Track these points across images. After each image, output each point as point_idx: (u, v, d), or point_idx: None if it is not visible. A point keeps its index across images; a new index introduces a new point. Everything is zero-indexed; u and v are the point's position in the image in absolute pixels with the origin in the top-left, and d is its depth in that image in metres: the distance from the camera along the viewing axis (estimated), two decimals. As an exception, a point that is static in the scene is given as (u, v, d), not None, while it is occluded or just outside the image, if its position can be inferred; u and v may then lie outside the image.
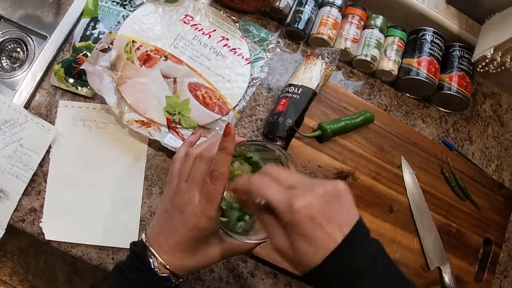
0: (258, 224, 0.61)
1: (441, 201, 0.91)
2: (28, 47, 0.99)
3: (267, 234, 0.49)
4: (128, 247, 0.60)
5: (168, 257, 0.56)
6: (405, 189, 0.88)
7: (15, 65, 0.99)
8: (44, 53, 0.83)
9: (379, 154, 0.88)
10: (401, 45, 0.95)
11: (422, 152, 0.91)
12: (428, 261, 0.87)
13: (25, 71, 0.88)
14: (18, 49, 1.00)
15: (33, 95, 0.81)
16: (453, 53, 0.97)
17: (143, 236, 0.59)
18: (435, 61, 0.93)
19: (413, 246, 0.87)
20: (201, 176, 0.56)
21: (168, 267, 0.56)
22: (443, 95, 0.95)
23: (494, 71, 0.91)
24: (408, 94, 0.98)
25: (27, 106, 0.80)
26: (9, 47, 0.99)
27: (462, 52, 0.97)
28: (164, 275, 0.56)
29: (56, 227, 0.76)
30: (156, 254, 0.56)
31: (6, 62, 0.99)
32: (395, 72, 0.93)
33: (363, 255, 0.45)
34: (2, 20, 0.97)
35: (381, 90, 0.97)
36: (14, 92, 0.80)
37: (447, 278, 0.87)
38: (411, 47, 0.95)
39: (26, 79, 0.81)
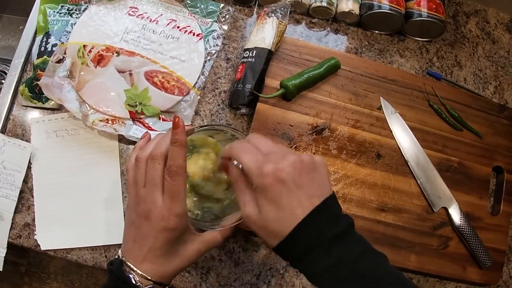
0: (229, 208, 0.59)
1: (434, 136, 0.79)
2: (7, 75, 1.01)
3: (240, 203, 0.47)
4: (117, 242, 0.57)
5: (146, 267, 0.52)
6: (391, 131, 0.78)
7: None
8: (9, 77, 0.82)
9: (354, 100, 0.79)
10: (357, -18, 0.84)
11: (403, 88, 0.80)
12: (431, 203, 0.76)
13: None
14: (2, 81, 1.01)
15: (7, 119, 0.80)
16: (416, -24, 0.84)
17: (119, 252, 0.55)
18: (395, -11, 0.82)
19: (410, 189, 0.77)
20: (158, 176, 0.52)
21: (149, 277, 0.52)
22: (415, 23, 0.83)
23: (462, -16, 0.79)
24: (377, 31, 0.87)
25: (3, 130, 0.80)
26: (-6, 80, 1.01)
27: (426, -27, 0.84)
28: (148, 287, 0.52)
29: (49, 236, 0.75)
30: (133, 267, 0.52)
31: (-5, 95, 1.01)
32: (357, 11, 0.82)
33: (333, 228, 0.44)
34: (-19, 57, 1.00)
35: (347, 34, 0.86)
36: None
37: (456, 217, 0.76)
38: (368, -19, 0.84)
39: (-2, 105, 0.81)
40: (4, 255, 0.77)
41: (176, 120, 0.51)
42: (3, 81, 1.01)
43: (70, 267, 1.42)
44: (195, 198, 0.60)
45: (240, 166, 0.47)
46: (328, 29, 0.86)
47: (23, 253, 0.76)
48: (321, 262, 0.43)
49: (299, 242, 0.44)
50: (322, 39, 0.85)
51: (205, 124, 0.69)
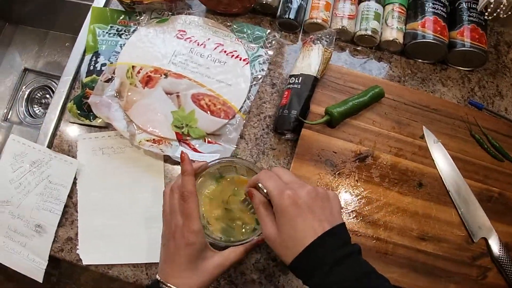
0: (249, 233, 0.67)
1: (475, 166, 0.79)
2: (55, 91, 1.02)
3: (261, 224, 0.53)
4: (158, 261, 0.63)
5: (176, 281, 0.58)
6: (433, 160, 0.78)
7: (47, 110, 1.02)
8: (57, 94, 0.83)
9: (397, 128, 0.79)
10: (402, 11, 0.84)
11: (446, 117, 0.80)
12: (471, 233, 0.75)
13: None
14: (47, 95, 1.03)
15: (54, 134, 0.82)
16: (459, 7, 0.84)
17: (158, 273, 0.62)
18: (439, 19, 0.81)
19: (451, 219, 0.76)
20: (177, 204, 0.61)
21: None
22: (457, 53, 0.83)
23: (505, 15, 0.78)
24: (420, 60, 0.87)
25: (50, 145, 0.81)
26: (38, 95, 1.02)
27: (470, 4, 0.84)
28: None
29: (91, 251, 0.76)
30: (166, 282, 0.58)
31: (39, 109, 1.02)
32: (401, 40, 0.82)
33: (340, 251, 0.48)
34: (27, 72, 1.01)
35: (391, 62, 0.86)
36: (38, 134, 0.81)
37: (495, 248, 0.75)
38: (413, 11, 0.84)
39: (46, 121, 0.82)
40: (45, 267, 0.78)
41: (183, 155, 0.63)
42: (47, 95, 1.02)
43: (101, 280, 1.42)
44: (222, 225, 0.68)
45: (265, 191, 0.54)
46: (372, 56, 0.86)
47: (55, 263, 0.77)
48: (326, 280, 0.47)
49: (309, 260, 0.48)
50: (365, 66, 0.85)
51: (220, 158, 0.72)
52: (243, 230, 0.67)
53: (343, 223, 0.52)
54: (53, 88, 1.00)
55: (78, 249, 0.76)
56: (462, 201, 0.77)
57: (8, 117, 1.00)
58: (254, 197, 0.56)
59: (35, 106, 1.00)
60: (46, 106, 1.01)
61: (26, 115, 0.99)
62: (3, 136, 0.98)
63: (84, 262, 0.76)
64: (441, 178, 0.77)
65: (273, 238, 0.51)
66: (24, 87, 0.99)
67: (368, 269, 0.49)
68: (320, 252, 0.48)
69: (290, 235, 0.49)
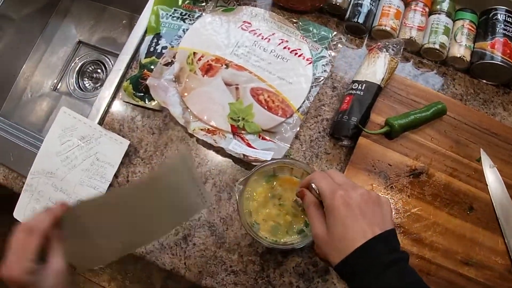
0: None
1: (529, 196, 0.77)
2: (107, 67, 1.01)
3: (311, 223, 0.53)
4: None
5: None
6: (487, 185, 0.75)
7: (97, 85, 1.01)
8: (113, 72, 0.81)
9: (455, 148, 0.76)
10: (472, 28, 0.81)
11: (504, 143, 0.77)
12: (515, 263, 0.74)
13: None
14: (98, 70, 1.01)
15: (106, 112, 0.80)
16: (531, 32, 0.81)
17: None
18: (509, 42, 0.78)
19: (497, 247, 0.73)
20: None
21: None
22: (524, 79, 0.80)
23: None
24: (485, 81, 0.83)
25: (101, 122, 0.80)
26: (90, 69, 1.00)
27: (542, 30, 0.80)
28: None
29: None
30: None
31: (89, 83, 1.01)
32: (468, 58, 0.79)
33: (389, 257, 0.47)
34: (81, 44, 0.99)
35: (454, 79, 0.83)
36: (90, 110, 0.80)
37: (539, 281, 0.73)
38: (483, 30, 0.81)
39: (100, 97, 0.80)
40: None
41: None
42: (99, 70, 1.01)
43: (126, 256, 1.42)
44: (271, 223, 0.66)
45: (317, 191, 0.53)
46: (436, 71, 0.83)
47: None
48: (372, 284, 0.46)
49: (356, 263, 0.47)
50: (428, 80, 0.82)
51: (277, 159, 0.70)
52: (292, 227, 0.66)
53: (394, 229, 0.50)
54: (105, 64, 0.99)
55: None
56: (511, 231, 0.74)
57: (58, 87, 0.99)
58: (306, 196, 0.55)
59: (86, 79, 0.99)
60: (96, 80, 0.99)
61: (76, 87, 0.98)
62: (50, 106, 0.97)
63: None
64: (492, 204, 0.75)
65: (321, 238, 0.50)
66: (77, 59, 0.98)
67: (415, 278, 0.48)
68: (368, 256, 0.47)
69: (340, 235, 0.48)
